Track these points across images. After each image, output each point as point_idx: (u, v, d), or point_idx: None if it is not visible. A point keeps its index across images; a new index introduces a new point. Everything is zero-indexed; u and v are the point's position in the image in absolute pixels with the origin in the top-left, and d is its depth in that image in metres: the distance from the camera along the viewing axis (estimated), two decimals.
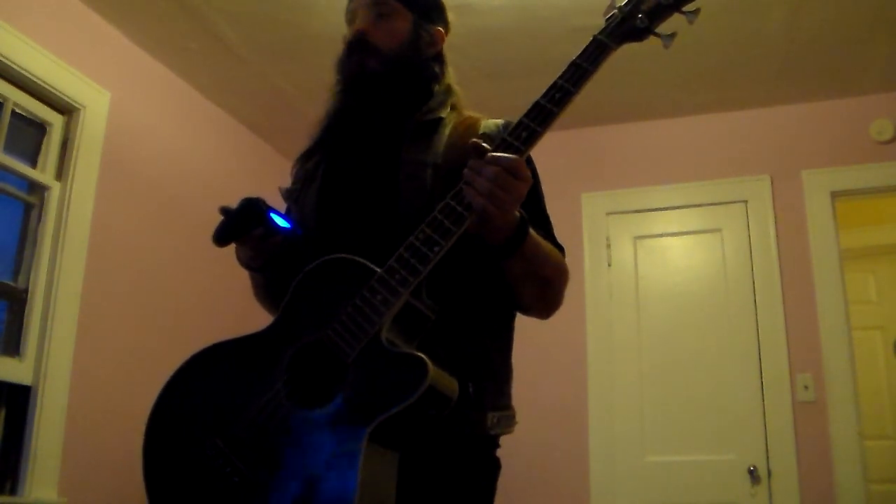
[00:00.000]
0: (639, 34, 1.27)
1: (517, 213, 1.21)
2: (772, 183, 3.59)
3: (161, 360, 3.24)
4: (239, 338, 1.28)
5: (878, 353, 4.69)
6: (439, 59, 1.52)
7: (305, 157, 1.56)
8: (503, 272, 1.29)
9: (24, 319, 2.70)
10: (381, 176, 1.38)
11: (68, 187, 2.84)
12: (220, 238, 1.35)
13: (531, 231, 1.25)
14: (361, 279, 1.16)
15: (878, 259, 4.79)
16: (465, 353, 1.29)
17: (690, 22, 1.27)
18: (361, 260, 1.19)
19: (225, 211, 1.34)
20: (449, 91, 1.50)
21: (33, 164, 2.83)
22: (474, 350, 1.32)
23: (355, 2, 1.52)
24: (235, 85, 3.57)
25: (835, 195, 3.51)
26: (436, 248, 1.14)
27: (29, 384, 2.65)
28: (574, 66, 1.25)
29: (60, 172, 2.87)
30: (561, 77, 1.23)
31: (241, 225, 1.34)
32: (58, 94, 2.82)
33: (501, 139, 1.18)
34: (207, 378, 1.27)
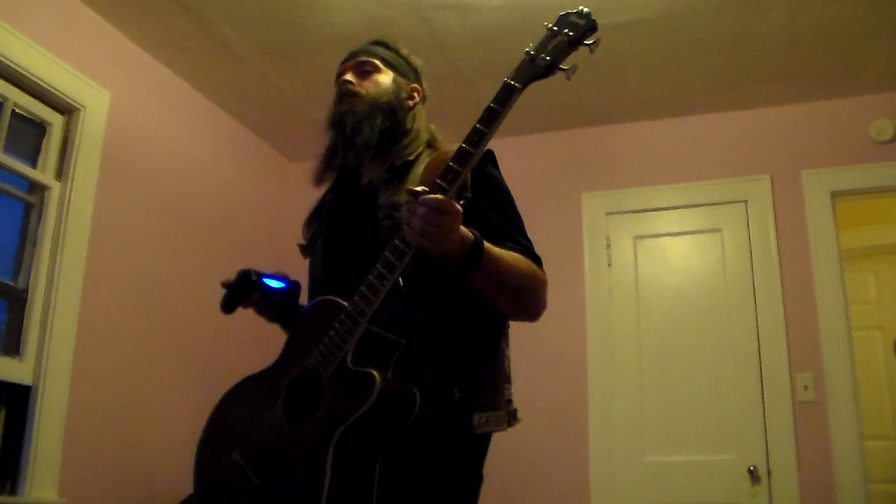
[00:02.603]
0: (544, 72, 1.41)
1: (469, 237, 1.38)
2: (772, 183, 3.58)
3: (161, 359, 3.26)
4: (261, 371, 1.55)
5: (878, 353, 4.69)
6: (415, 109, 1.73)
7: (311, 219, 1.77)
8: (471, 287, 1.46)
9: (24, 319, 2.70)
10: (363, 221, 1.59)
11: (68, 187, 2.84)
12: (225, 307, 1.61)
13: (487, 249, 1.41)
14: (335, 314, 1.40)
15: (878, 259, 4.79)
16: (446, 362, 1.46)
17: (592, 52, 1.40)
18: (337, 299, 1.44)
19: (225, 284, 1.61)
20: (419, 136, 1.70)
21: (33, 164, 2.83)
22: (457, 360, 1.47)
23: (344, 65, 1.76)
24: (235, 85, 3.57)
25: (835, 195, 3.51)
26: (384, 282, 1.36)
27: (29, 384, 2.65)
28: (488, 109, 1.40)
29: (60, 172, 2.87)
30: (478, 121, 1.39)
31: (239, 293, 1.60)
32: (58, 94, 2.82)
33: (433, 182, 1.35)
34: (237, 403, 1.55)
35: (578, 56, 1.41)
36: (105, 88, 3.03)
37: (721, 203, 3.64)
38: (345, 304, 1.40)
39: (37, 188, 2.82)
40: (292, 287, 1.63)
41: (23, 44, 2.69)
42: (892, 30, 3.07)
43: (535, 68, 1.41)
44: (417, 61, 1.80)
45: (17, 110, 2.76)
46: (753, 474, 3.27)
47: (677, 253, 3.67)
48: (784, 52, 3.24)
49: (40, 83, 2.76)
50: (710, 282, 3.57)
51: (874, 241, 4.70)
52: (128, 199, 3.15)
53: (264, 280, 1.59)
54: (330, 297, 1.46)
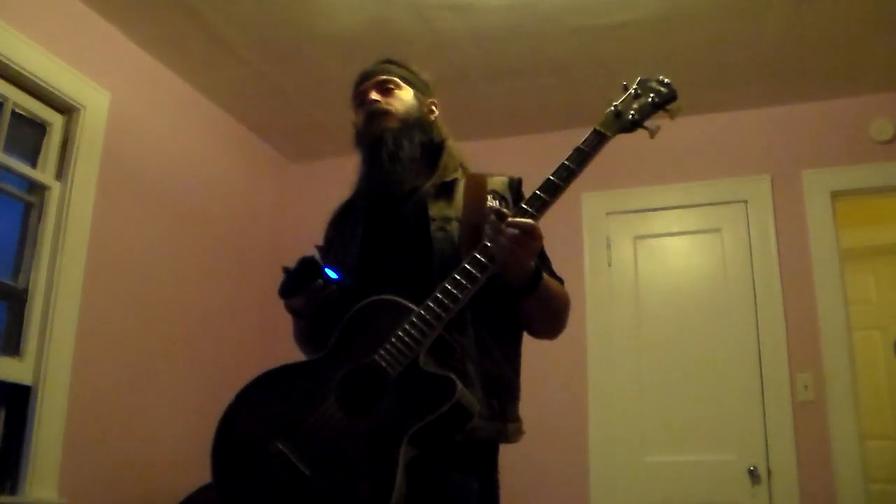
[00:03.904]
0: (630, 127, 1.55)
1: (531, 263, 1.48)
2: (772, 183, 3.58)
3: (161, 359, 3.26)
4: (301, 361, 1.56)
5: (878, 353, 4.69)
6: (438, 123, 1.80)
7: (338, 221, 1.81)
8: (520, 308, 1.58)
9: (24, 319, 2.70)
10: (413, 229, 1.63)
11: (68, 187, 2.84)
12: (287, 292, 1.61)
13: (544, 275, 1.54)
14: (403, 315, 1.44)
15: (878, 259, 4.79)
16: (491, 374, 1.55)
17: (672, 118, 1.55)
18: (403, 300, 1.47)
19: (287, 270, 1.60)
20: (456, 154, 1.77)
21: (33, 164, 2.83)
22: (498, 371, 1.57)
23: (364, 84, 1.78)
24: (235, 85, 3.57)
25: (835, 195, 3.51)
26: (464, 292, 1.42)
27: (29, 384, 2.65)
28: (578, 150, 1.53)
29: (60, 172, 2.87)
30: (568, 159, 1.51)
31: (302, 279, 1.59)
32: (58, 94, 2.82)
33: (520, 207, 1.46)
34: (273, 392, 1.53)
35: (658, 117, 1.55)
36: (105, 88, 3.03)
37: (721, 203, 3.64)
38: (412, 306, 1.44)
39: (37, 188, 2.81)
40: (345, 281, 1.63)
41: (23, 44, 2.69)
42: (892, 30, 3.07)
43: (623, 122, 1.55)
44: (428, 76, 1.86)
45: (17, 110, 2.76)
46: (753, 474, 3.27)
47: (677, 253, 3.67)
48: (784, 52, 3.24)
49: (40, 83, 2.76)
50: (710, 282, 3.57)
51: (874, 241, 4.70)
52: (128, 198, 3.15)
53: (325, 269, 1.60)
54: (393, 297, 1.49)
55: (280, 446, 1.42)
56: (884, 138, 3.47)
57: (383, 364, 1.41)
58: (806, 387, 3.31)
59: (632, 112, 1.54)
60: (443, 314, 1.41)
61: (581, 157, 1.50)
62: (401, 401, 1.39)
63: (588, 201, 3.79)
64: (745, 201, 3.61)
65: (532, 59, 3.29)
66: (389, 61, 1.82)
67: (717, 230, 3.63)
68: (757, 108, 3.68)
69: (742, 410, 3.36)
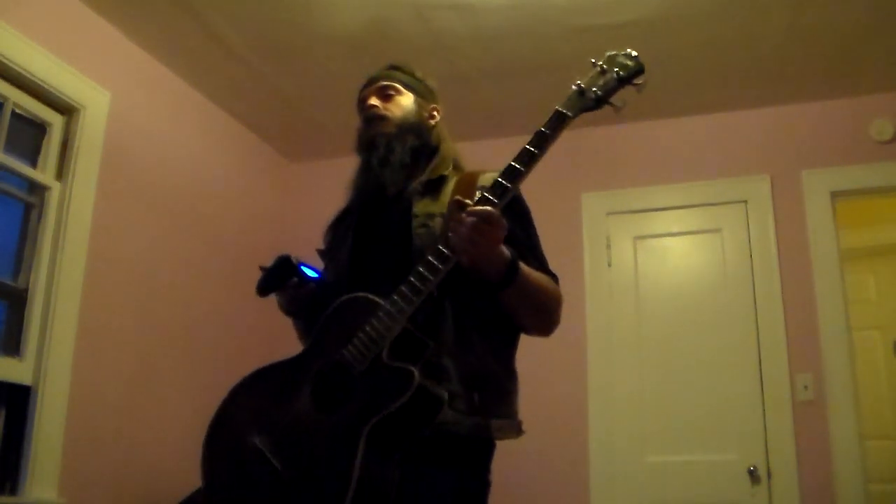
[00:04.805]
0: (593, 105, 1.51)
1: (506, 254, 1.47)
2: (772, 183, 3.58)
3: (161, 359, 3.27)
4: (285, 359, 1.57)
5: (878, 353, 4.69)
6: (438, 128, 1.83)
7: (336, 224, 1.84)
8: (501, 302, 1.55)
9: (24, 319, 2.70)
10: (397, 227, 1.65)
11: (68, 187, 2.84)
12: (262, 290, 1.63)
13: (521, 267, 1.51)
14: (371, 311, 1.45)
15: (878, 259, 4.79)
16: (472, 368, 1.53)
17: (639, 92, 1.50)
18: (371, 296, 1.49)
19: (263, 268, 1.64)
20: (449, 154, 1.79)
21: (33, 164, 2.83)
22: (479, 366, 1.55)
23: (366, 90, 1.83)
24: (236, 85, 3.57)
25: (835, 195, 3.51)
26: (427, 284, 1.42)
27: (29, 384, 2.65)
28: (539, 133, 1.48)
29: (60, 172, 2.87)
30: (529, 143, 1.48)
31: (279, 277, 1.61)
32: (58, 94, 2.82)
33: (481, 195, 1.44)
34: (257, 390, 1.58)
35: (625, 93, 1.52)
36: (105, 88, 3.03)
37: (721, 203, 3.64)
38: (381, 301, 1.45)
39: (37, 188, 2.81)
40: (324, 279, 1.64)
41: (23, 44, 2.69)
42: (892, 30, 3.07)
43: (586, 101, 1.50)
44: (433, 82, 1.88)
45: (17, 110, 2.76)
46: (753, 474, 3.27)
47: (677, 253, 3.67)
48: (784, 52, 3.24)
49: (40, 83, 2.76)
50: (710, 282, 3.57)
51: (874, 241, 4.70)
52: (128, 199, 3.15)
53: (302, 267, 1.60)
54: (365, 294, 1.50)
55: (257, 443, 1.47)
56: (884, 138, 3.47)
57: (351, 359, 1.44)
58: (806, 387, 3.31)
59: (595, 89, 1.50)
60: (405, 307, 1.42)
61: (542, 140, 1.47)
62: (363, 395, 1.40)
63: (588, 201, 3.79)
64: (745, 201, 3.61)
65: (532, 59, 3.29)
66: (394, 67, 1.85)
67: (717, 230, 3.63)
68: (757, 108, 3.68)
69: (742, 410, 3.36)
